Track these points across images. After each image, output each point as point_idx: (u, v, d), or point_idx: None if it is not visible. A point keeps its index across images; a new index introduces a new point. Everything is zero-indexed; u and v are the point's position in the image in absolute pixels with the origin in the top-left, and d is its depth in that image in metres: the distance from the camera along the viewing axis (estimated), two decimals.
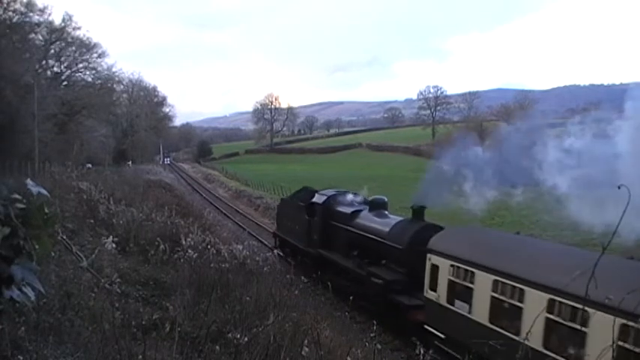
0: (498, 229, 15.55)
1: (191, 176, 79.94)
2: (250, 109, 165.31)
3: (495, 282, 10.29)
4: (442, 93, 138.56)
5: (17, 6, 44.62)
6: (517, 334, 9.07)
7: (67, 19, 55.25)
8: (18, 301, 2.39)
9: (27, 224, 2.42)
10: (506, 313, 10.04)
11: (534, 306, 8.85)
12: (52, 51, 55.88)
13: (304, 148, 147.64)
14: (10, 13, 44.16)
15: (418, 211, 15.73)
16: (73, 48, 57.83)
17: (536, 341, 8.56)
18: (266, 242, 26.29)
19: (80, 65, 60.14)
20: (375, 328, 8.42)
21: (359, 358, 8.48)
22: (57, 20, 54.39)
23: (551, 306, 8.68)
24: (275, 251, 21.16)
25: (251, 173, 72.83)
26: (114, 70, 68.61)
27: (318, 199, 20.43)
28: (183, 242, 13.32)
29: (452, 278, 11.84)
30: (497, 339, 8.33)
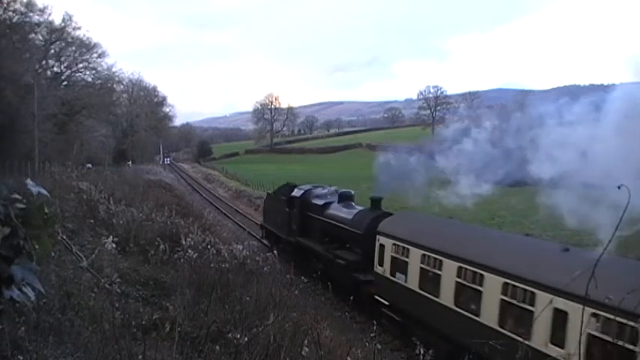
0: (434, 216, 17.25)
1: (191, 176, 79.93)
2: (250, 109, 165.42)
3: (423, 256, 12.82)
4: (442, 93, 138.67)
5: (17, 6, 44.63)
6: (436, 296, 12.26)
7: (67, 19, 55.28)
8: (18, 301, 2.39)
9: (27, 224, 2.42)
10: (430, 280, 12.54)
11: (450, 273, 11.73)
12: (52, 51, 55.86)
13: (304, 148, 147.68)
14: (10, 13, 44.16)
15: (376, 202, 17.89)
16: (73, 48, 57.83)
17: (448, 299, 11.83)
18: (266, 242, 26.88)
19: (80, 65, 60.15)
20: (375, 328, 8.43)
21: (359, 358, 8.48)
22: (57, 20, 54.43)
23: (459, 271, 11.51)
24: (266, 244, 25.24)
25: (251, 173, 72.83)
26: (114, 70, 68.64)
27: (296, 193, 22.47)
28: (183, 242, 13.32)
29: (394, 254, 14.26)
30: (424, 301, 12.55)
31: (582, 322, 6.85)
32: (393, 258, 14.33)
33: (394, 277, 14.20)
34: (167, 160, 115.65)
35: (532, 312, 9.39)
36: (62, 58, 58.25)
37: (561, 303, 8.61)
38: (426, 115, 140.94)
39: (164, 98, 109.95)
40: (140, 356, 5.05)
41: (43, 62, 54.23)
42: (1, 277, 2.33)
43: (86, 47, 59.02)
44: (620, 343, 7.17)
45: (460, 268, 11.34)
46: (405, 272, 13.65)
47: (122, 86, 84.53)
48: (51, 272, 7.15)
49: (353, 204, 19.72)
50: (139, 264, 11.47)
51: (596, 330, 7.66)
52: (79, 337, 5.75)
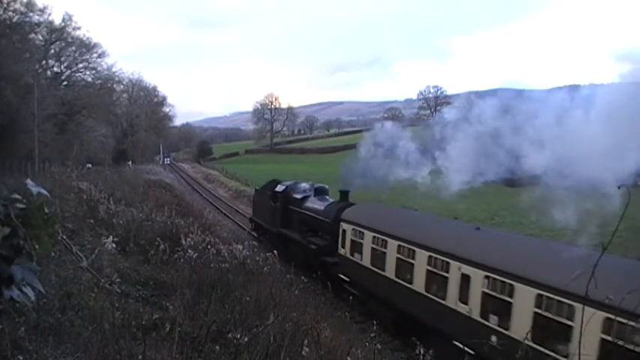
0: (389, 205, 20.22)
1: (191, 176, 79.90)
2: (250, 109, 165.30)
3: (374, 237, 15.50)
4: (442, 93, 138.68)
5: (17, 6, 44.65)
6: (383, 270, 14.86)
7: (67, 19, 55.31)
8: (18, 301, 2.39)
9: (27, 224, 2.42)
10: (378, 257, 15.17)
11: (392, 251, 14.45)
12: (52, 51, 55.87)
13: (304, 148, 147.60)
14: (10, 13, 44.17)
15: (343, 194, 20.32)
16: (73, 48, 57.84)
17: (391, 272, 14.47)
18: (255, 234, 28.29)
19: (80, 65, 60.18)
20: (375, 328, 8.43)
21: (359, 358, 8.48)
22: (57, 20, 54.45)
23: (398, 249, 14.15)
24: (255, 235, 27.78)
25: (251, 173, 72.77)
26: (114, 70, 68.67)
27: (279, 188, 24.51)
28: (183, 242, 13.32)
29: (353, 238, 16.91)
30: (375, 276, 15.20)
31: (480, 283, 10.70)
32: (352, 241, 16.97)
33: (353, 257, 16.86)
34: (167, 160, 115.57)
35: (447, 278, 12.11)
36: (62, 58, 58.26)
37: (466, 269, 11.44)
38: (426, 115, 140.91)
39: (164, 98, 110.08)
40: (140, 356, 5.05)
41: (43, 62, 54.23)
42: (1, 277, 2.34)
43: (86, 47, 59.06)
44: (502, 297, 10.07)
45: (399, 246, 14.11)
46: (360, 252, 16.34)
47: (122, 86, 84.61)
48: (51, 272, 7.15)
49: (327, 197, 21.94)
50: (139, 264, 11.47)
51: (487, 288, 10.56)
52: (79, 337, 5.75)
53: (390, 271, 14.50)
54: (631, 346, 7.15)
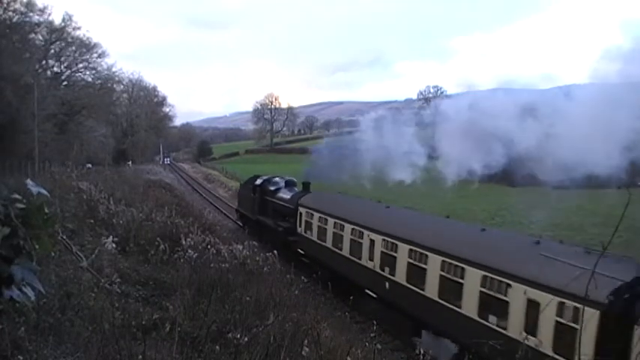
0: (335, 193, 23.59)
1: (191, 176, 79.86)
2: (250, 109, 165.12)
3: (319, 217, 19.97)
4: (442, 93, 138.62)
5: (17, 6, 44.63)
6: (324, 242, 19.07)
7: (67, 19, 55.28)
8: (18, 301, 2.39)
9: (27, 224, 2.42)
10: (322, 232, 19.49)
11: (331, 227, 18.69)
12: (52, 51, 55.85)
13: (304, 147, 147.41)
14: (10, 13, 44.16)
15: (306, 185, 24.28)
16: (73, 48, 57.82)
17: (329, 242, 18.89)
18: (240, 223, 31.60)
19: (80, 65, 60.16)
20: (375, 328, 8.43)
21: (359, 358, 8.48)
22: (57, 20, 54.43)
23: (335, 225, 18.57)
24: (240, 224, 31.64)
25: (251, 173, 72.63)
26: (114, 70, 68.63)
27: (258, 181, 28.22)
28: (183, 242, 13.31)
29: (306, 219, 21.22)
30: (320, 247, 19.35)
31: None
32: (306, 221, 21.34)
33: (306, 234, 21.25)
34: (167, 160, 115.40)
35: (362, 243, 16.64)
36: (62, 58, 58.25)
37: (373, 236, 15.91)
38: (426, 114, 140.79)
39: (164, 98, 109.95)
40: (140, 356, 5.05)
41: (43, 62, 54.22)
42: (1, 277, 2.33)
43: (86, 47, 59.04)
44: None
45: (335, 222, 18.62)
46: (311, 230, 20.71)
47: (122, 86, 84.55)
48: (51, 272, 7.15)
49: (295, 188, 25.46)
50: (139, 264, 11.46)
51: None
52: (79, 337, 5.74)
53: (329, 242, 19.04)
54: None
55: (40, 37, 52.38)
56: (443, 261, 12.54)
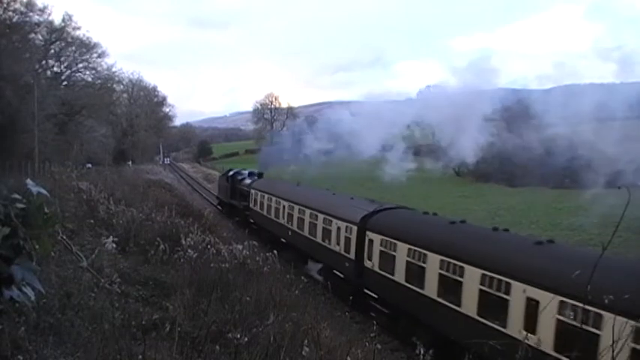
0: (277, 179, 33.22)
1: (191, 176, 79.86)
2: (250, 109, 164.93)
3: (268, 197, 27.36)
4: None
5: (17, 6, 44.60)
6: (270, 215, 26.69)
7: (67, 19, 55.22)
8: (18, 301, 2.39)
9: (27, 224, 2.42)
10: (269, 209, 26.71)
11: (271, 203, 26.85)
12: (52, 51, 55.81)
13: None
14: (10, 13, 44.13)
15: (260, 175, 34.18)
16: (73, 48, 57.78)
17: (271, 214, 27.10)
18: (220, 207, 41.09)
19: (80, 65, 60.11)
20: (375, 328, 8.43)
21: (359, 358, 8.47)
22: (57, 20, 54.39)
23: (277, 202, 26.12)
24: (219, 208, 40.58)
25: None
26: (114, 70, 68.54)
27: (230, 173, 38.04)
28: (183, 242, 13.28)
29: (255, 197, 29.76)
30: (266, 218, 27.72)
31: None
32: (254, 199, 30.03)
33: (256, 208, 29.58)
34: (167, 160, 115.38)
35: (304, 219, 22.53)
36: (62, 58, 58.21)
37: (320, 217, 21.00)
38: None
39: (164, 98, 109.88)
40: (140, 356, 5.05)
41: (43, 62, 54.18)
42: (1, 277, 2.33)
43: (86, 47, 58.99)
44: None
45: (277, 200, 26.01)
46: (262, 206, 28.53)
47: (122, 86, 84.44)
48: (51, 272, 7.15)
49: (256, 178, 33.85)
50: (139, 264, 11.45)
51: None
52: (79, 337, 5.74)
53: (273, 215, 26.39)
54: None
55: (40, 37, 52.35)
56: (325, 218, 20.34)
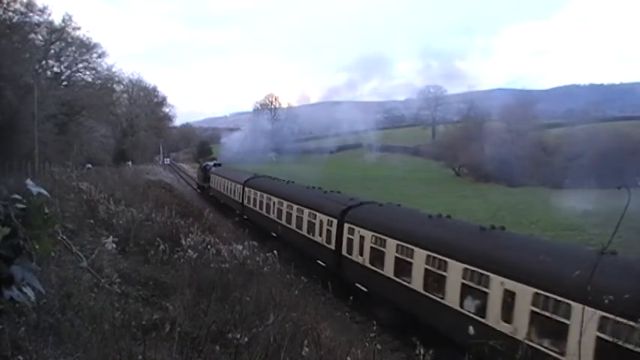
0: (232, 168, 51.06)
1: (191, 176, 79.88)
2: (250, 109, 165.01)
3: (219, 178, 44.95)
4: (442, 93, 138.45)
5: (17, 6, 44.60)
6: (225, 192, 41.22)
7: (67, 19, 55.26)
8: (18, 301, 2.39)
9: (27, 224, 2.42)
10: (225, 189, 41.40)
11: (236, 190, 37.69)
12: (52, 51, 55.81)
13: (304, 147, 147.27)
14: (10, 13, 44.13)
15: (217, 165, 53.62)
16: (73, 48, 57.78)
17: (226, 192, 41.95)
18: (199, 191, 58.05)
19: (80, 65, 60.13)
20: (375, 328, 8.43)
21: (359, 358, 8.47)
22: (57, 20, 54.41)
23: (224, 180, 43.39)
24: (199, 191, 57.55)
25: (250, 173, 72.62)
26: (114, 70, 68.63)
27: (203, 165, 57.06)
28: (183, 242, 13.27)
29: (213, 179, 47.58)
30: (221, 194, 43.20)
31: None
32: (219, 182, 44.19)
33: (213, 186, 46.59)
34: (167, 161, 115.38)
35: (263, 201, 30.58)
36: (62, 58, 58.21)
37: (275, 200, 28.66)
38: (425, 115, 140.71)
39: (164, 98, 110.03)
40: (140, 356, 5.05)
41: (43, 62, 54.16)
42: (1, 277, 2.33)
43: (86, 47, 59.01)
44: (296, 214, 24.30)
45: (226, 181, 41.37)
46: (220, 187, 43.54)
47: (122, 86, 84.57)
48: (51, 272, 7.14)
49: (220, 166, 51.17)
50: (139, 264, 11.45)
51: (283, 208, 24.86)
52: (79, 337, 5.74)
53: (222, 189, 42.44)
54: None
55: (40, 37, 52.34)
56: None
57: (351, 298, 12.93)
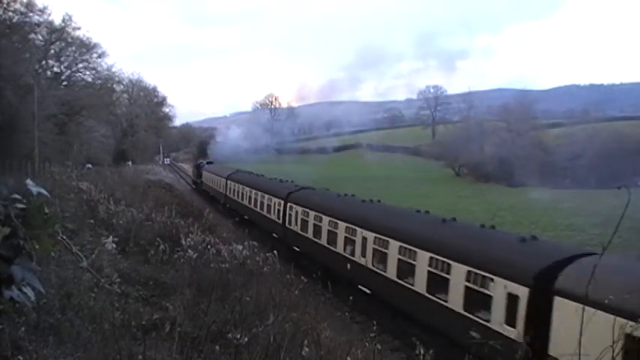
0: (222, 165, 61.39)
1: (191, 176, 79.91)
2: (250, 109, 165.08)
3: (210, 175, 52.22)
4: (442, 93, 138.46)
5: (17, 6, 44.60)
6: (216, 187, 46.86)
7: (67, 19, 55.26)
8: (18, 301, 2.39)
9: (27, 224, 2.42)
10: (212, 182, 49.92)
11: (220, 183, 45.08)
12: (52, 51, 55.81)
13: (304, 148, 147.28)
14: (10, 13, 44.13)
15: (210, 162, 64.73)
16: (73, 48, 57.78)
17: (217, 187, 47.22)
18: (194, 186, 64.40)
19: (80, 65, 60.13)
20: (375, 328, 8.43)
21: (359, 358, 8.47)
22: (57, 20, 54.40)
23: (214, 177, 50.17)
24: (194, 186, 64.60)
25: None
26: (114, 70, 68.62)
27: (197, 163, 67.74)
28: (183, 242, 13.27)
29: (205, 175, 54.71)
30: (212, 189, 49.44)
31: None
32: (206, 176, 53.87)
33: (205, 182, 53.60)
34: (167, 161, 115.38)
35: (244, 193, 36.24)
36: (62, 58, 58.21)
37: (250, 191, 34.79)
38: (425, 115, 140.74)
39: (164, 98, 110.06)
40: (140, 356, 5.05)
41: (43, 62, 54.16)
42: (1, 277, 2.33)
43: (86, 47, 59.00)
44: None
45: (215, 176, 48.65)
46: (209, 181, 50.93)
47: (122, 86, 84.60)
48: (51, 272, 7.14)
49: (212, 164, 61.87)
50: (139, 264, 11.44)
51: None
52: (79, 337, 5.74)
53: (218, 187, 45.24)
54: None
55: (40, 37, 52.35)
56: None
57: (351, 298, 12.94)
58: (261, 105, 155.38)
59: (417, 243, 14.59)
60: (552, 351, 9.50)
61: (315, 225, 22.00)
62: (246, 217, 33.86)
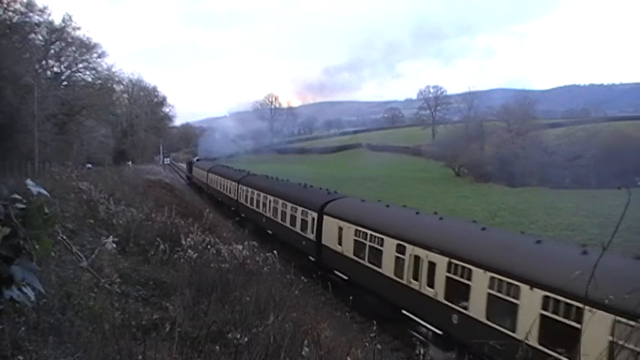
0: (211, 161, 71.45)
1: (185, 172, 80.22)
2: (250, 109, 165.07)
3: (202, 170, 59.54)
4: (442, 93, 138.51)
5: (17, 6, 44.64)
6: (206, 181, 53.52)
7: (67, 19, 55.27)
8: (18, 301, 2.39)
9: (27, 224, 2.42)
10: (200, 176, 59.57)
11: (203, 175, 56.41)
12: (52, 51, 55.80)
13: (304, 148, 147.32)
14: (10, 13, 44.15)
15: (202, 159, 77.45)
16: (73, 48, 57.77)
17: (211, 183, 51.61)
18: (188, 182, 72.09)
19: (80, 65, 60.11)
20: (375, 328, 8.43)
21: (359, 358, 8.47)
22: (57, 20, 54.41)
23: (204, 171, 57.77)
24: (187, 182, 74.12)
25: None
26: (114, 70, 68.63)
27: (190, 160, 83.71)
28: (183, 242, 13.27)
29: (195, 170, 65.80)
30: (203, 183, 55.85)
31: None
32: (195, 171, 65.57)
33: (195, 176, 65.15)
34: (167, 160, 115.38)
35: (228, 186, 42.46)
36: (62, 58, 58.19)
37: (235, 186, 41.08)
38: (425, 115, 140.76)
39: (164, 98, 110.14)
40: (140, 356, 5.05)
41: (43, 62, 54.17)
42: (1, 277, 2.33)
43: (86, 47, 58.99)
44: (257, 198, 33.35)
45: (203, 171, 56.56)
46: (197, 175, 63.07)
47: (122, 86, 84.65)
48: (51, 272, 7.14)
49: (202, 161, 72.58)
50: (139, 264, 11.43)
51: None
52: (79, 337, 5.74)
53: (211, 183, 49.77)
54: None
55: (40, 37, 52.35)
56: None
57: (351, 298, 12.94)
58: (261, 105, 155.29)
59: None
60: (324, 241, 21.53)
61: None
62: (219, 199, 44.39)
